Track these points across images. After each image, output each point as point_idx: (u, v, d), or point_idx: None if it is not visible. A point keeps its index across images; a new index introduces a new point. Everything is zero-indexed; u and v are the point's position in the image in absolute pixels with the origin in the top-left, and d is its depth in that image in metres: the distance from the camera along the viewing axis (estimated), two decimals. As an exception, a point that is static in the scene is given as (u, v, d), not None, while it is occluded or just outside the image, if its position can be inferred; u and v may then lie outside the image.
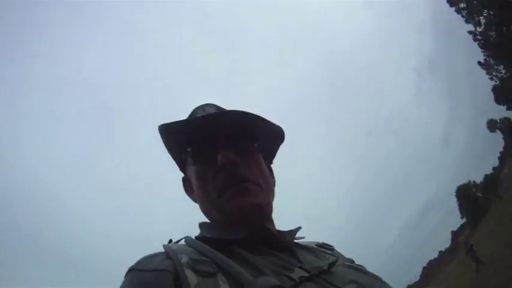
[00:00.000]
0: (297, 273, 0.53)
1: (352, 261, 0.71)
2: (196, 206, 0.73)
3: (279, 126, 0.74)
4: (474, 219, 34.91)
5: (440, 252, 48.66)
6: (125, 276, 0.54)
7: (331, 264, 0.59)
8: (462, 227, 39.35)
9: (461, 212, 44.57)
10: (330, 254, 0.70)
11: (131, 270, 0.54)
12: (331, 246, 0.75)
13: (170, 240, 0.64)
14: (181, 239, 0.64)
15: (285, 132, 0.76)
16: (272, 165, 0.82)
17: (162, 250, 0.58)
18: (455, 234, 44.74)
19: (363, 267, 0.67)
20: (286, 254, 0.61)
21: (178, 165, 0.78)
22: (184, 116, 0.72)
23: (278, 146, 0.80)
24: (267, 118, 0.70)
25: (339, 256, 0.69)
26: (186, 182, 0.77)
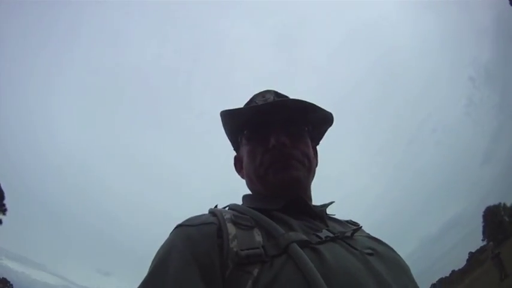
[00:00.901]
0: (324, 234, 0.60)
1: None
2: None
3: (329, 112, 0.81)
4: (496, 242, 32.30)
5: (453, 271, 45.77)
6: (171, 231, 0.59)
7: (354, 231, 0.66)
8: (481, 249, 36.44)
9: (483, 234, 41.77)
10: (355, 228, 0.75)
11: (178, 226, 0.60)
12: (358, 223, 0.79)
13: (216, 206, 0.70)
14: (226, 206, 0.71)
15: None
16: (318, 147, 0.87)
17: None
18: (472, 256, 41.83)
19: (381, 239, 0.73)
20: (317, 221, 0.69)
21: (233, 145, 0.88)
22: (243, 101, 0.82)
23: (326, 129, 0.87)
24: (319, 105, 0.77)
25: (362, 229, 0.75)
26: (237, 160, 0.87)
